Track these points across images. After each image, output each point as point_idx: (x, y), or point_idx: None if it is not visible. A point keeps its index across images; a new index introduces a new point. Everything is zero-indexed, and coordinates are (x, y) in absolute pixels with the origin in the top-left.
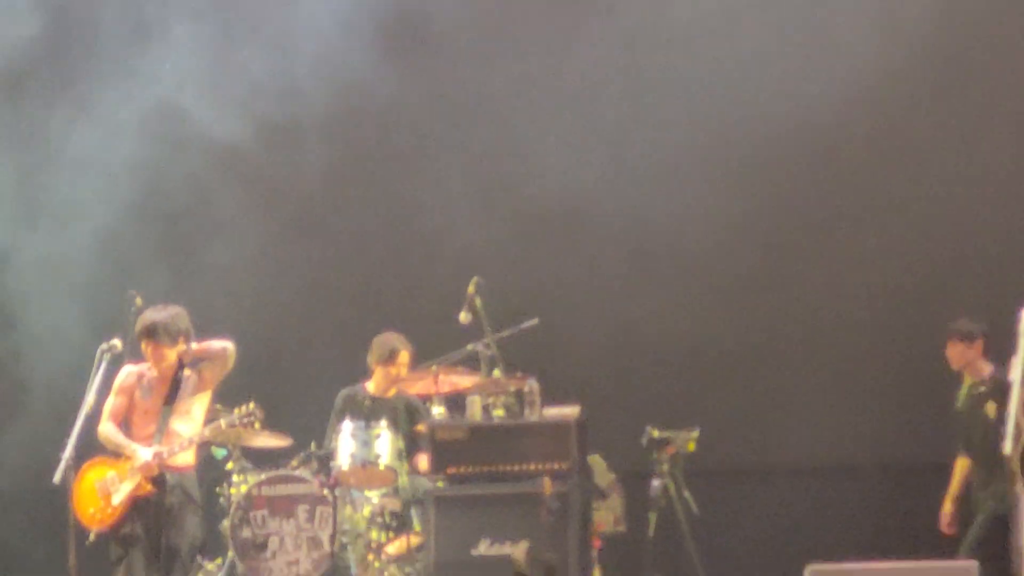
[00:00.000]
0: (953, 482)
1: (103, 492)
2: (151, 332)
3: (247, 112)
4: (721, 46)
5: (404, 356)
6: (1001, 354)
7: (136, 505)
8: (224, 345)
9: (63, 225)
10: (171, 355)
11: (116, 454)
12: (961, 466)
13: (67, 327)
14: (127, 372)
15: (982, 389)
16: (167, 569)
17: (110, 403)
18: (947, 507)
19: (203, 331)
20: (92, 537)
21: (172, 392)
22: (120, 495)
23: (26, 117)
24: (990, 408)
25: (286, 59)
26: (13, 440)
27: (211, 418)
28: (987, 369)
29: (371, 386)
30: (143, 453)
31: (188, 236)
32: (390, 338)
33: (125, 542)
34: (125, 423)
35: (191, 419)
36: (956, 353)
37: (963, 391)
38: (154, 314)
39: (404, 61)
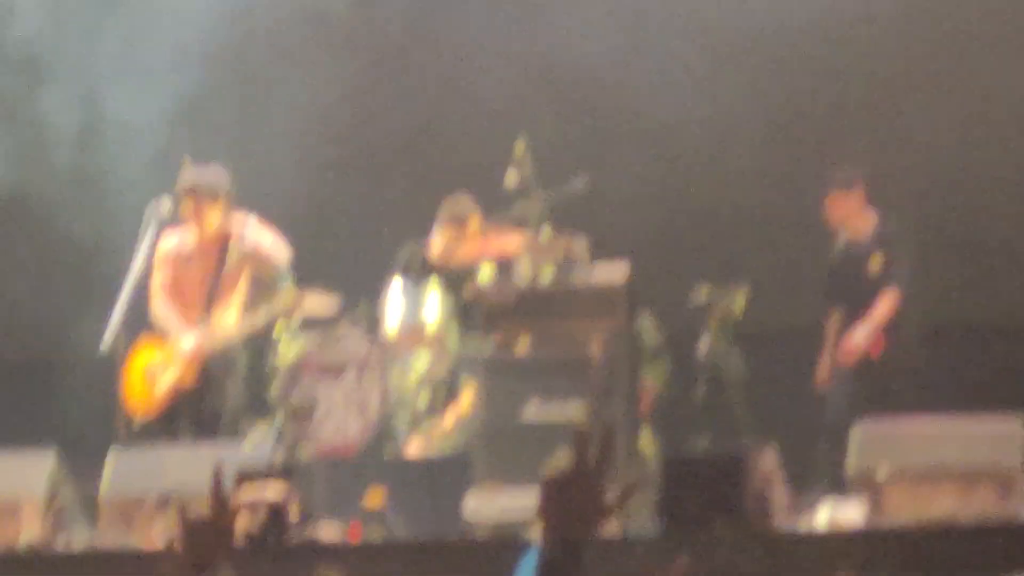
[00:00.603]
0: (829, 338)
1: (149, 379)
2: (192, 188)
3: None
4: None
5: (475, 222)
6: None
7: (179, 394)
8: (280, 258)
9: (142, 87)
10: (212, 215)
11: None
12: (836, 322)
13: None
14: (165, 241)
15: (864, 242)
16: (211, 434)
17: (156, 278)
18: (826, 361)
19: (267, 189)
20: (136, 425)
21: (218, 264)
22: (163, 385)
23: None
24: (875, 261)
25: None
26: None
27: (253, 301)
28: (871, 220)
29: (435, 245)
30: (186, 341)
31: (257, 93)
32: (463, 201)
33: (169, 428)
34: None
35: (237, 292)
36: (835, 204)
37: (840, 245)
38: (196, 171)
39: None
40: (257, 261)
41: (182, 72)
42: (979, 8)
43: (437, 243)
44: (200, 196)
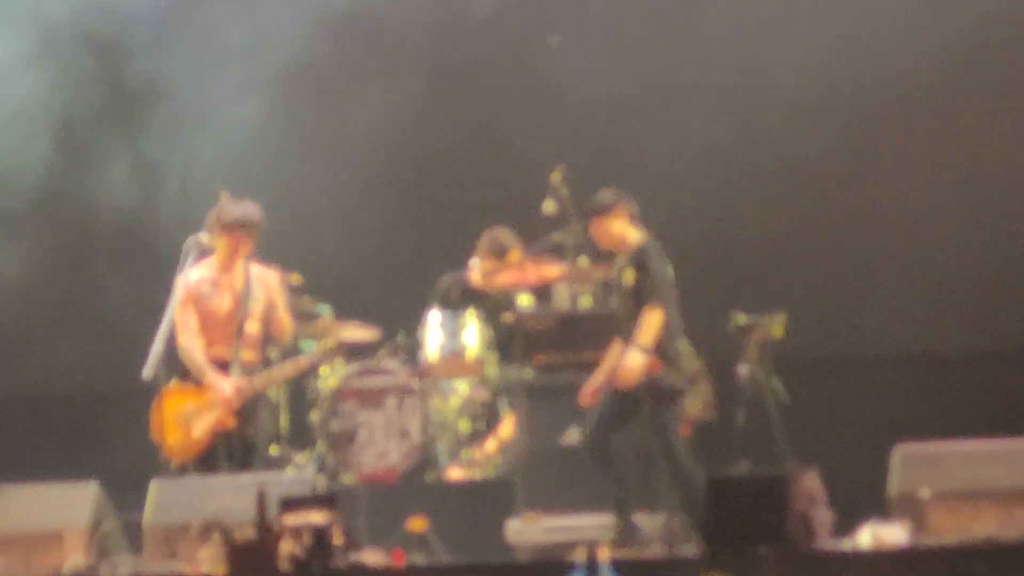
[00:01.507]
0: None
1: (183, 423)
2: (246, 223)
3: None
4: None
5: (515, 254)
6: None
7: (217, 436)
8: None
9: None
10: (248, 250)
11: (195, 379)
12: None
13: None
14: (187, 280)
15: (623, 260)
16: (246, 463)
17: (183, 317)
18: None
19: (306, 222)
20: (174, 466)
21: (243, 298)
22: (200, 428)
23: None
24: (628, 276)
25: None
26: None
27: (291, 349)
28: (635, 237)
29: (474, 275)
30: (224, 387)
31: (304, 127)
32: (502, 233)
33: (208, 465)
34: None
35: (263, 321)
36: (598, 231)
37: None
38: (246, 207)
39: None
40: (272, 312)
41: (246, 102)
42: None
43: (476, 273)
44: (248, 232)
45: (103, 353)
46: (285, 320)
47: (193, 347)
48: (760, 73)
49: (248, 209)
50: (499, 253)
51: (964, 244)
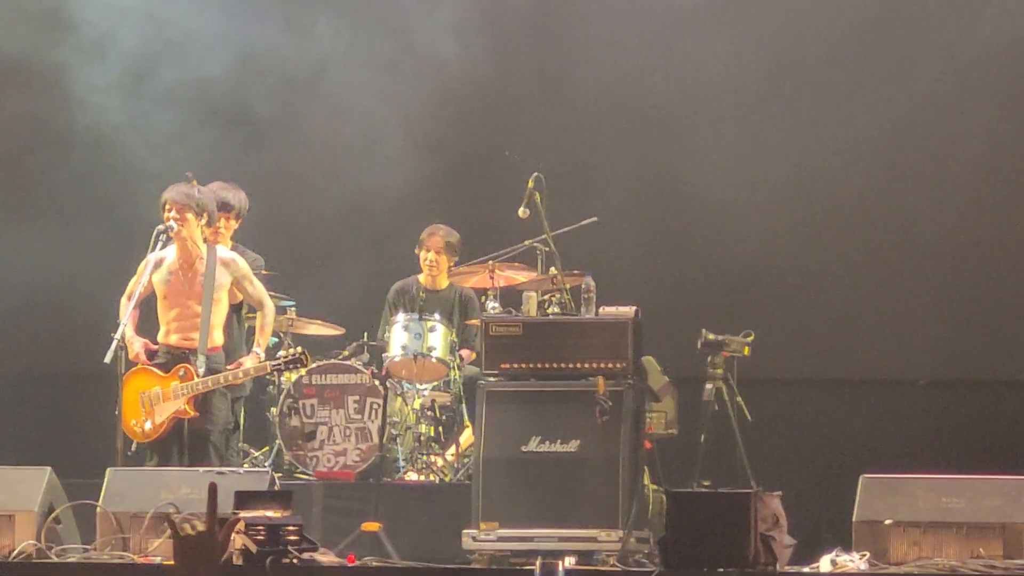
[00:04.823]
0: None
1: (146, 407)
2: (173, 196)
3: None
4: None
5: (435, 241)
6: None
7: (177, 423)
8: (270, 312)
9: None
10: (192, 224)
11: (164, 367)
12: None
13: None
14: (147, 258)
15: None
16: (198, 454)
17: (131, 282)
18: None
19: (276, 225)
20: (133, 448)
21: (207, 284)
22: (163, 415)
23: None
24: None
25: None
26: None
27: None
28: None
29: (423, 278)
30: (135, 345)
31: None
32: (435, 229)
33: (164, 452)
34: (153, 304)
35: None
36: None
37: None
38: (179, 185)
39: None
40: (240, 286)
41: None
42: None
43: (423, 275)
44: (180, 203)
45: (69, 332)
46: (256, 292)
47: (125, 307)
48: (746, 94)
49: (183, 186)
50: (420, 242)
51: (936, 272)
